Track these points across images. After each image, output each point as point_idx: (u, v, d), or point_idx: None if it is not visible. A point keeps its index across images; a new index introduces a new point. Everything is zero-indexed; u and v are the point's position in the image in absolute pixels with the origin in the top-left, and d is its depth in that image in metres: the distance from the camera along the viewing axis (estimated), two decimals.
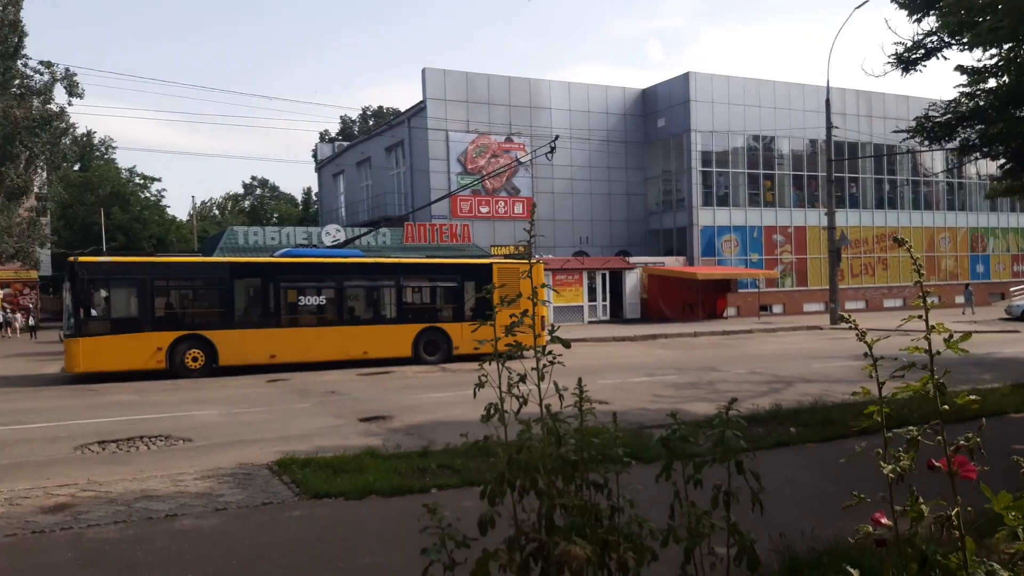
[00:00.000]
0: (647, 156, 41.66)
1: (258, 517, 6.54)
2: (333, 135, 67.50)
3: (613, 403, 12.05)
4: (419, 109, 37.67)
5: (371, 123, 66.43)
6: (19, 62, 34.16)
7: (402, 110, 44.87)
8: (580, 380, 3.81)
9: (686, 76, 38.92)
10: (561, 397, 3.62)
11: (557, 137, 25.57)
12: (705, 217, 38.79)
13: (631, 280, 36.17)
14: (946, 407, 2.71)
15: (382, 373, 18.20)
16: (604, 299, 35.63)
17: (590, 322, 34.05)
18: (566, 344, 3.77)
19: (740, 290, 38.72)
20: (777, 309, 39.54)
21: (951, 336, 2.67)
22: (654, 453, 5.38)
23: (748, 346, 24.50)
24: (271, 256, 21.85)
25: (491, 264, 21.51)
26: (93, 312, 17.83)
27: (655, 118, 40.98)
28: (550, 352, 3.66)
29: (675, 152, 39.97)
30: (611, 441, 3.73)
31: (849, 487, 2.75)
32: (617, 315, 35.63)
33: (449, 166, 36.67)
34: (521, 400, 3.70)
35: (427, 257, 23.99)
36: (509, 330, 3.83)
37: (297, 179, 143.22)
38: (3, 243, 35.44)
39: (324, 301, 19.93)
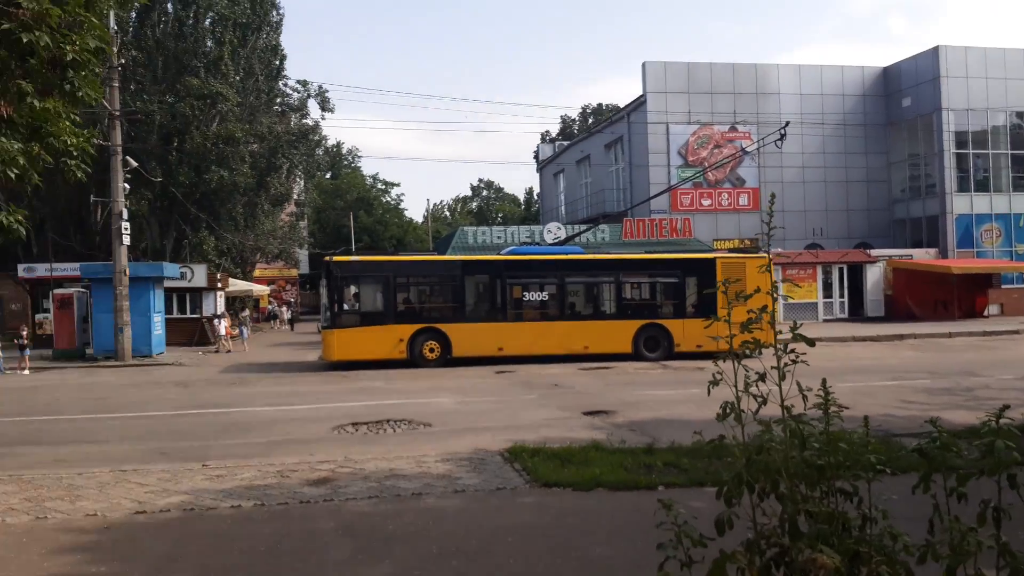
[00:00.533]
0: (890, 139, 38.12)
1: (493, 501, 6.91)
2: (554, 135, 69.08)
3: (855, 408, 11.03)
4: (639, 103, 37.42)
5: (590, 121, 67.06)
6: (280, 83, 38.78)
7: (621, 106, 44.83)
8: (824, 381, 3.61)
9: (935, 50, 35.07)
10: (805, 398, 3.44)
11: (787, 123, 24.14)
12: (960, 204, 34.74)
13: (873, 275, 33.26)
14: None
15: (603, 368, 18.35)
16: (841, 295, 33.11)
17: (825, 320, 31.83)
18: (810, 342, 3.58)
19: (1004, 286, 34.19)
20: None
21: None
22: (906, 463, 4.95)
23: (1015, 349, 21.61)
24: (498, 254, 22.85)
25: (714, 259, 20.86)
26: (345, 306, 19.75)
27: (899, 98, 37.37)
28: (792, 350, 3.50)
29: (923, 134, 36.19)
30: (862, 447, 3.50)
31: None
32: (856, 313, 32.96)
33: (669, 159, 36.07)
34: (760, 400, 3.56)
35: (646, 253, 23.77)
36: (745, 327, 3.71)
37: (520, 180, 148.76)
38: (269, 244, 40.39)
39: (546, 297, 20.48)
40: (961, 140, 34.99)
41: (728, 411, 3.68)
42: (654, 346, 20.08)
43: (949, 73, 34.73)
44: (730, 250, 29.08)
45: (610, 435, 9.59)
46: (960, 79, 34.76)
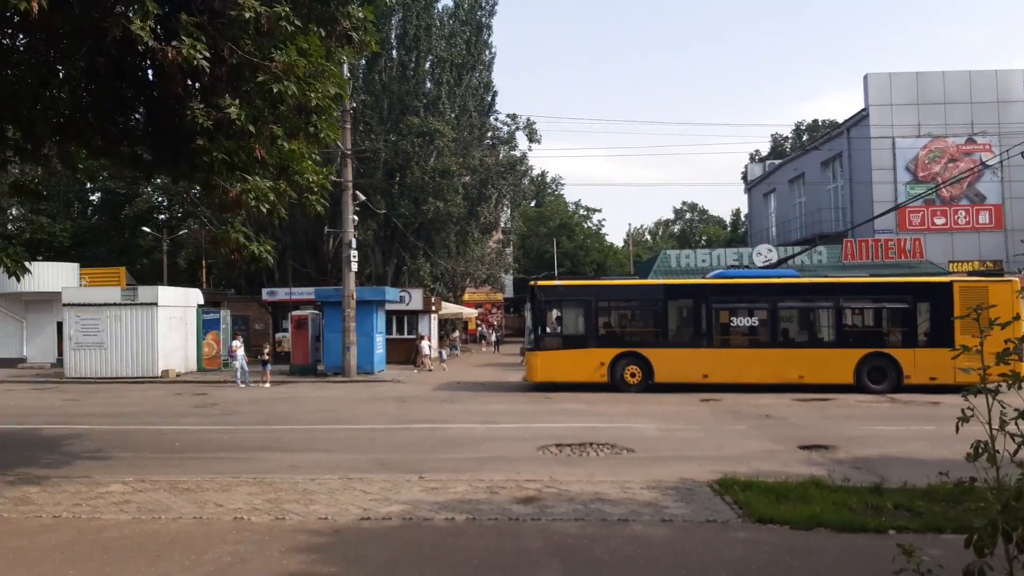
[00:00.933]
0: None
1: (703, 533, 6.63)
2: (763, 155, 66.33)
3: None
4: (860, 118, 34.91)
5: (804, 139, 63.63)
6: (491, 117, 40.69)
7: (840, 121, 42.08)
8: None
9: None
10: None
11: None
12: None
13: None
14: None
15: (820, 400, 17.13)
16: None
17: None
18: None
19: None
20: None
21: None
22: None
23: None
24: (703, 278, 22.19)
25: (951, 283, 18.80)
26: (548, 329, 20.11)
27: None
28: None
29: None
30: None
31: None
32: None
33: (896, 175, 33.20)
34: (1019, 440, 3.18)
35: (870, 276, 21.97)
36: (1001, 358, 3.33)
37: (725, 201, 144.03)
38: (478, 270, 42.24)
39: (757, 322, 19.54)
40: None
41: (980, 451, 3.31)
42: (880, 377, 18.41)
43: None
44: (969, 273, 26.13)
45: (831, 472, 8.88)
46: None
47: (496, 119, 41.12)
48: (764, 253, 30.63)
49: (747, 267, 26.61)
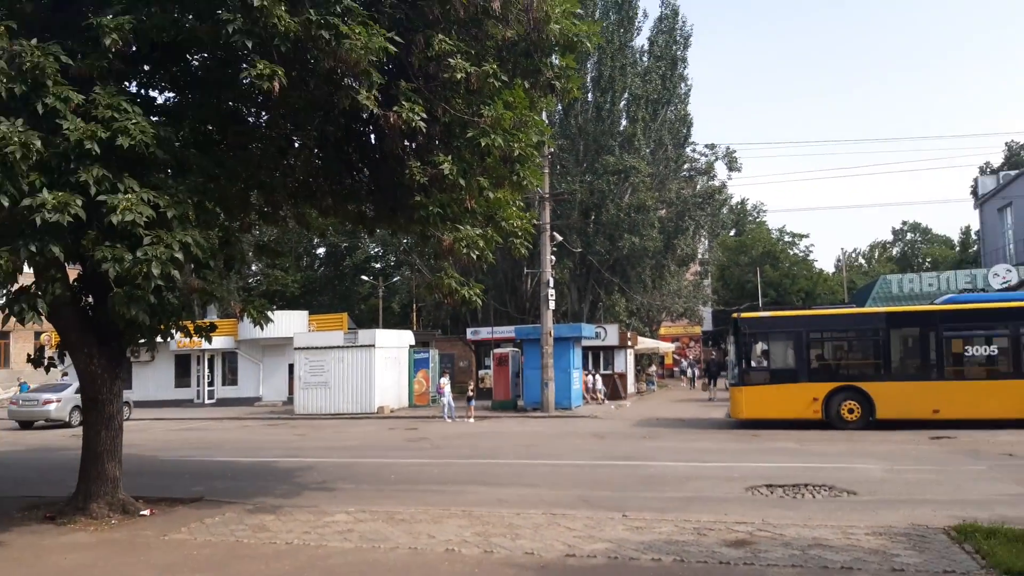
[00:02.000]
0: None
1: None
2: (996, 166, 59.61)
3: None
4: None
5: None
6: (688, 148, 40.15)
7: None
8: None
9: None
10: None
11: None
12: None
13: None
14: None
15: None
16: None
17: None
18: None
19: None
20: None
21: None
22: None
23: None
24: (929, 304, 20.22)
25: None
26: (754, 363, 19.21)
27: None
28: None
29: None
30: None
31: None
32: None
33: None
34: None
35: None
36: None
37: (951, 220, 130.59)
38: (674, 303, 41.36)
39: (996, 351, 17.45)
40: None
41: None
42: None
43: None
44: None
45: None
46: None
47: (693, 150, 40.50)
48: (1002, 274, 27.45)
49: (983, 290, 23.93)
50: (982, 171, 57.15)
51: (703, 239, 45.48)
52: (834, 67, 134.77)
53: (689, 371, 41.54)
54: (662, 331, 47.86)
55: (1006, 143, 63.70)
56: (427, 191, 8.93)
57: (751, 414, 18.68)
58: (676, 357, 51.47)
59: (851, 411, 17.73)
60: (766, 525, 8.13)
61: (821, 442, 15.67)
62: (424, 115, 8.11)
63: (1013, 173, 47.05)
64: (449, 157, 8.62)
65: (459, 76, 8.10)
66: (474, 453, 15.77)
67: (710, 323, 56.11)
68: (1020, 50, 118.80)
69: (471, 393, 24.63)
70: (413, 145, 9.09)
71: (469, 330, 35.34)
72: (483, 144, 8.42)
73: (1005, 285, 24.98)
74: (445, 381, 24.45)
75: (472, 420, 23.37)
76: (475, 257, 9.38)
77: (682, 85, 39.02)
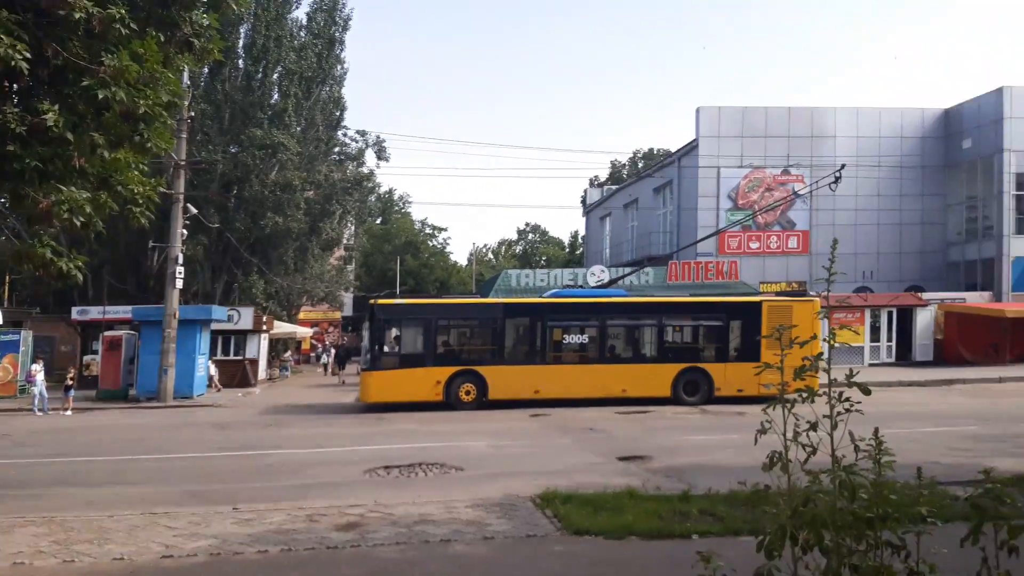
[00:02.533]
0: (947, 181, 37.17)
1: (523, 549, 6.68)
2: (603, 180, 69.24)
3: (901, 455, 10.55)
4: (691, 148, 37.35)
5: (640, 165, 67.19)
6: (339, 132, 39.83)
7: (672, 150, 44.79)
8: (876, 430, 3.45)
9: (999, 91, 34.23)
10: (857, 449, 3.30)
11: (843, 166, 23.72)
12: (1017, 247, 33.49)
13: (923, 318, 32.18)
14: None
15: (640, 412, 17.96)
16: (889, 340, 32.08)
17: (871, 364, 30.75)
18: (866, 390, 3.43)
19: None
20: None
21: None
22: (952, 512, 4.70)
23: None
24: (538, 297, 22.73)
25: (760, 302, 20.40)
26: (386, 348, 19.77)
27: (959, 139, 36.51)
28: (847, 398, 3.34)
29: (983, 175, 35.18)
30: (912, 498, 3.32)
31: None
32: (904, 357, 31.83)
33: (719, 203, 35.74)
34: (810, 449, 3.40)
35: (691, 295, 23.40)
36: (799, 373, 3.56)
37: (568, 224, 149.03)
38: (316, 288, 40.95)
39: (587, 339, 20.23)
40: (1021, 181, 33.90)
41: (775, 460, 3.50)
42: (693, 390, 19.59)
43: (1013, 114, 33.81)
44: (777, 293, 28.48)
45: (645, 481, 9.28)
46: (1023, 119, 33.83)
47: (345, 134, 40.30)
48: (597, 273, 31.93)
49: (581, 287, 27.55)
50: (591, 183, 66.00)
51: (350, 224, 45.63)
52: (478, 75, 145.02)
53: (324, 357, 41.38)
54: (301, 315, 46.96)
55: (611, 161, 74.43)
56: (25, 143, 7.51)
57: (379, 398, 19.18)
58: (314, 343, 50.91)
59: (468, 393, 19.18)
60: (378, 506, 8.34)
61: (441, 422, 16.66)
62: (29, 54, 6.81)
63: (614, 188, 55.29)
64: (56, 107, 7.35)
65: (78, 15, 6.94)
66: (67, 450, 13.80)
67: (351, 309, 56.57)
68: (634, 81, 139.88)
69: (70, 382, 21.47)
70: (14, 87, 7.66)
71: (75, 309, 30.89)
72: (101, 96, 7.29)
73: (599, 283, 29.09)
74: (38, 368, 21.02)
75: (69, 413, 20.44)
76: (79, 224, 8.09)
77: (339, 67, 38.60)
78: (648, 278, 32.76)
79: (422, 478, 10.60)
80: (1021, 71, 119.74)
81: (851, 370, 3.40)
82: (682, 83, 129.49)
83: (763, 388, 3.66)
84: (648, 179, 44.27)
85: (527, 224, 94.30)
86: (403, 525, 7.47)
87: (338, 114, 39.14)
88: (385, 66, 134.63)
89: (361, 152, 39.95)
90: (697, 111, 36.50)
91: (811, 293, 27.85)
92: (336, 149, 39.94)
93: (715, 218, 34.94)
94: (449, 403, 19.04)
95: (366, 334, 20.60)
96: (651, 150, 72.34)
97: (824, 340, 3.52)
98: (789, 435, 3.36)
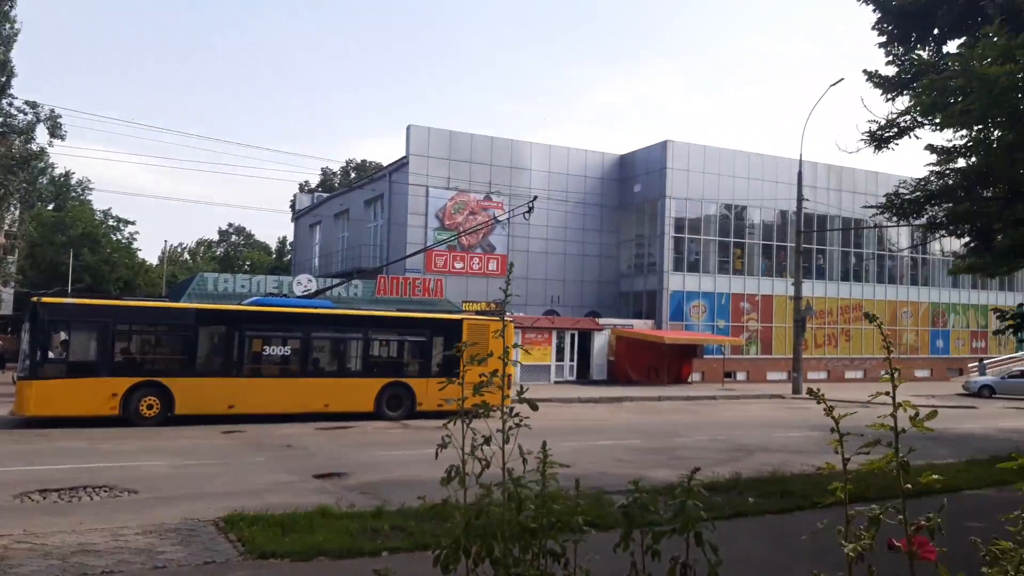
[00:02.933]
0: (622, 220, 42.16)
1: None
2: (313, 186, 67.57)
3: (575, 466, 11.70)
4: (401, 164, 37.95)
5: (352, 176, 66.75)
6: (4, 100, 34.05)
7: (384, 164, 45.18)
8: (544, 444, 3.69)
9: (664, 144, 39.71)
10: (525, 461, 3.51)
11: (535, 198, 25.78)
12: (675, 282, 39.13)
13: (599, 341, 36.17)
14: (909, 486, 2.65)
15: (341, 428, 17.79)
16: (572, 359, 35.52)
17: (556, 382, 33.83)
18: (534, 406, 3.68)
19: (706, 356, 38.81)
20: (741, 376, 39.64)
21: (917, 414, 2.64)
22: (613, 520, 5.26)
23: (711, 413, 24.45)
24: (241, 304, 21.50)
25: (461, 320, 21.34)
26: (51, 354, 17.28)
27: (632, 183, 41.63)
28: (517, 414, 3.57)
29: (649, 217, 40.49)
30: (572, 508, 3.61)
31: (804, 561, 2.66)
32: (584, 376, 35.49)
33: (427, 221, 36.78)
34: (484, 463, 3.57)
35: (397, 310, 23.77)
36: (477, 389, 3.73)
37: (274, 228, 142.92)
38: None
39: (289, 351, 19.57)
40: (679, 225, 39.60)
41: (453, 474, 3.65)
42: (396, 405, 19.90)
43: (674, 165, 39.38)
44: (478, 312, 30.05)
45: (339, 499, 9.18)
46: (683, 171, 39.52)
47: (11, 103, 34.55)
48: (304, 283, 31.05)
49: (286, 295, 26.59)
50: (301, 188, 64.21)
51: (13, 208, 39.38)
52: (178, 63, 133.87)
53: None
54: None
55: (322, 168, 73.06)
56: None
57: (41, 411, 16.67)
58: None
59: (150, 407, 17.44)
60: (28, 536, 7.26)
61: (115, 440, 14.95)
62: None
63: (325, 196, 54.32)
64: None
65: None
66: None
67: (10, 306, 48.78)
68: (350, 92, 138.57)
69: None
70: None
71: None
72: None
73: (306, 292, 28.29)
74: None
75: None
76: None
77: (7, 26, 33.13)
78: (357, 291, 32.65)
79: (87, 503, 9.41)
80: (683, 126, 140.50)
81: (521, 386, 3.66)
82: (398, 99, 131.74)
83: (471, 406, 3.82)
84: (360, 191, 44.24)
85: (230, 225, 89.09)
86: (58, 557, 6.58)
87: (4, 79, 33.59)
88: (82, 40, 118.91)
89: (32, 126, 34.70)
90: (408, 129, 37.32)
91: (507, 315, 29.96)
92: (0, 120, 34.26)
93: (423, 236, 35.94)
94: (127, 418, 17.14)
95: (26, 336, 17.86)
96: (364, 162, 72.47)
97: (500, 358, 3.72)
98: (467, 449, 3.46)
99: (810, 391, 3.13)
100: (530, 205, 23.78)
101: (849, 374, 43.44)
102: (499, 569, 3.39)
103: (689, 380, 37.06)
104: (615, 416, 22.46)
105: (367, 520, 7.90)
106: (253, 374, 18.93)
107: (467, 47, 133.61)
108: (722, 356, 38.72)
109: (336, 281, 31.89)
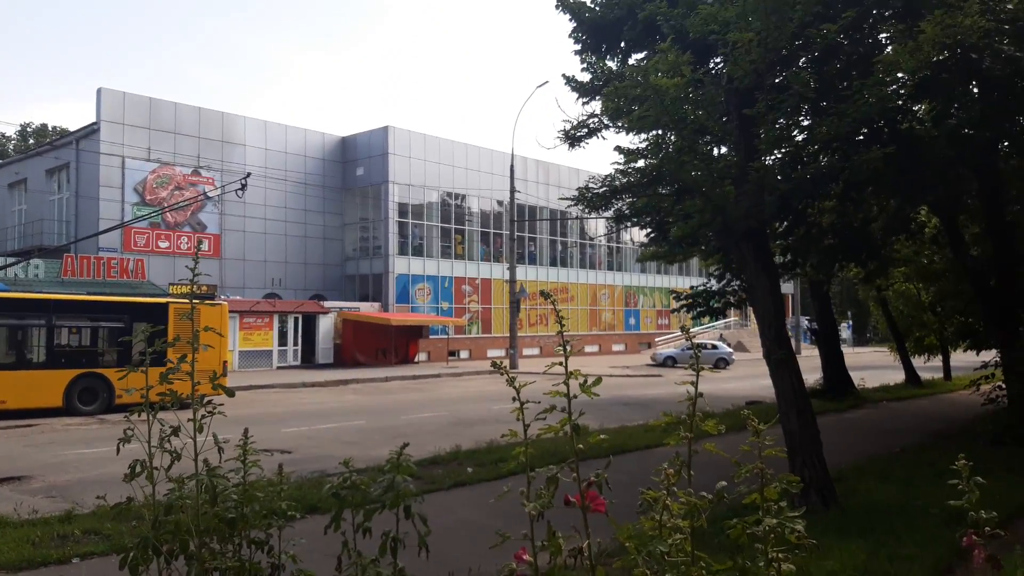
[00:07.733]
0: (345, 202, 41.68)
1: None
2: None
3: (298, 452, 11.62)
4: (91, 131, 33.73)
5: (31, 142, 58.10)
6: None
7: (71, 130, 39.90)
8: (246, 431, 3.63)
9: (386, 129, 39.86)
10: (221, 451, 3.43)
11: (249, 174, 24.41)
12: (400, 265, 39.69)
13: (325, 325, 35.58)
14: (581, 446, 3.05)
15: (25, 427, 15.66)
16: (296, 344, 34.55)
17: (279, 367, 32.70)
18: (230, 393, 3.61)
19: (431, 336, 40.02)
20: (464, 354, 41.48)
21: (586, 381, 3.04)
22: (329, 503, 5.31)
23: (436, 390, 25.33)
24: None
25: (167, 304, 19.71)
26: None
27: (354, 166, 41.27)
28: (210, 401, 3.47)
29: (373, 201, 40.51)
30: (276, 495, 3.60)
31: (514, 523, 2.94)
32: (309, 360, 34.73)
33: (124, 195, 33.19)
34: (174, 455, 3.42)
35: (88, 293, 21.29)
36: (163, 378, 3.57)
37: None
38: None
39: None
40: (403, 210, 40.16)
41: (138, 469, 3.44)
42: (91, 398, 17.93)
43: (396, 151, 39.73)
44: (183, 296, 27.90)
45: (19, 505, 8.12)
46: (405, 157, 40.04)
47: None
48: None
49: None
50: None
51: None
52: None
53: None
54: None
55: None
56: None
57: None
58: None
59: None
60: None
61: None
62: None
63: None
64: None
65: None
66: None
67: None
68: (29, 47, 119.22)
69: None
70: None
71: None
72: None
73: None
74: None
75: None
76: None
77: None
78: (39, 271, 28.61)
79: None
80: (404, 112, 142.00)
81: (215, 372, 3.56)
82: (86, 60, 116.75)
83: (160, 396, 3.62)
84: (40, 158, 38.72)
85: None
86: None
87: None
88: None
89: None
90: (99, 92, 33.38)
91: (221, 297, 28.18)
92: None
93: (120, 211, 32.48)
94: None
95: None
96: (44, 126, 63.76)
97: (188, 343, 3.57)
98: (155, 442, 3.32)
99: (493, 363, 3.45)
100: (243, 182, 22.52)
101: (558, 349, 47.35)
102: (192, 565, 3.30)
103: (416, 360, 37.93)
104: (341, 399, 22.33)
105: (54, 526, 7.14)
106: None
107: (171, 9, 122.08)
108: (447, 336, 40.15)
109: (12, 260, 27.66)
